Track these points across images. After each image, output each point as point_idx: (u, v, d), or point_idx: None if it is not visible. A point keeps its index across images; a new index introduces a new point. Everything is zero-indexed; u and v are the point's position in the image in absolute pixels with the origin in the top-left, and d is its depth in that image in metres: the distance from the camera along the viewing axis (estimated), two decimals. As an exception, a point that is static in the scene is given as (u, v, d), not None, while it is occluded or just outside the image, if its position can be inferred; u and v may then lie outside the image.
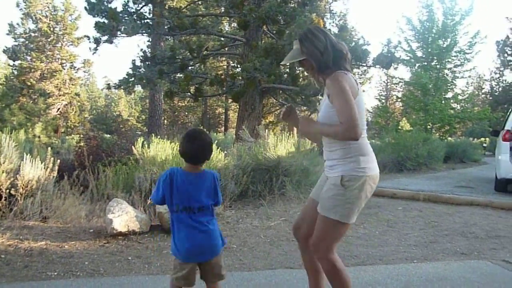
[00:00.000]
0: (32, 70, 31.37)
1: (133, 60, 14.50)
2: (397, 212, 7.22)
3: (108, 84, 15.80)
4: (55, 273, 3.83)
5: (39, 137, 20.45)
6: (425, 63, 23.30)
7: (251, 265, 4.16)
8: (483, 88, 54.14)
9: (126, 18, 12.98)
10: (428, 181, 11.48)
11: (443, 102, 22.00)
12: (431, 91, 21.90)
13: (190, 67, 14.24)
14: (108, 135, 12.18)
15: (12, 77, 31.28)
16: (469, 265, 4.32)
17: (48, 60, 32.36)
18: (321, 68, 2.64)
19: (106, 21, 12.56)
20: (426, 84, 21.32)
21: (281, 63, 2.65)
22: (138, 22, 12.83)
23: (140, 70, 14.24)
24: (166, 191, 2.58)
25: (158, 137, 8.02)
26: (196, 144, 2.63)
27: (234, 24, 18.59)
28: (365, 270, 4.08)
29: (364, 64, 13.50)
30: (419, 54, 23.76)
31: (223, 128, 40.35)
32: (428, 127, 21.76)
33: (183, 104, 40.91)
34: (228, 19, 19.46)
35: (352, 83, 2.55)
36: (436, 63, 23.19)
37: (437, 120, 21.42)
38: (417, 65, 23.88)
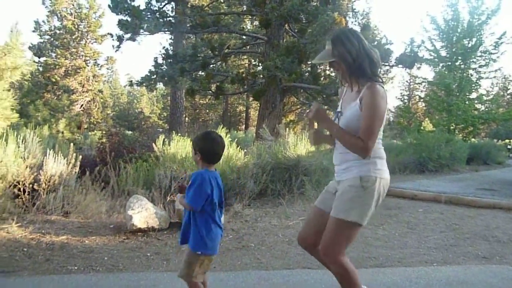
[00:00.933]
0: (57, 66, 31.84)
1: (155, 58, 14.62)
2: (418, 214, 7.14)
3: (131, 81, 15.93)
4: (75, 268, 3.89)
5: (62, 132, 20.78)
6: (449, 63, 22.92)
7: (269, 264, 4.16)
8: (509, 89, 53.07)
9: (149, 16, 13.08)
10: (450, 183, 11.31)
11: (467, 102, 21.63)
12: (455, 91, 21.56)
13: (211, 65, 14.27)
14: (130, 132, 12.32)
15: (37, 74, 31.79)
16: (490, 269, 4.25)
17: (72, 57, 32.79)
18: (353, 73, 2.65)
19: (129, 19, 12.67)
20: (450, 84, 21.00)
21: (312, 62, 2.69)
22: (161, 20, 12.92)
23: (162, 67, 14.34)
24: (210, 192, 2.67)
25: (179, 134, 8.08)
26: (220, 145, 2.78)
27: (256, 23, 18.54)
28: (384, 272, 4.05)
29: (387, 64, 13.33)
30: (443, 53, 23.38)
31: (243, 127, 40.37)
32: (451, 128, 21.42)
33: (204, 101, 41.06)
34: (250, 17, 19.46)
35: (386, 97, 2.60)
36: (461, 63, 22.81)
37: (461, 121, 21.09)
38: (441, 64, 23.51)
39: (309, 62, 11.08)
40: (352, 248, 4.98)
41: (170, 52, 15.36)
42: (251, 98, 22.06)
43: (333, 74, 14.51)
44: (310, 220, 2.90)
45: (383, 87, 2.61)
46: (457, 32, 22.40)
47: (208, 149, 2.74)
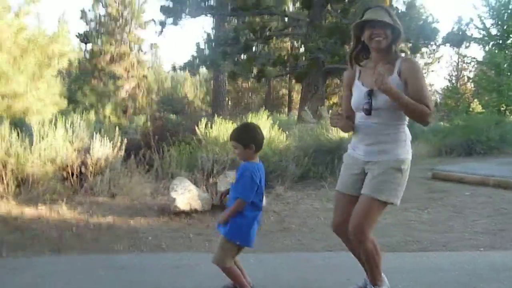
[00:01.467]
0: (103, 53, 32.54)
1: (197, 43, 14.75)
2: (464, 197, 6.93)
3: (174, 66, 16.16)
4: (121, 247, 4.02)
5: (109, 117, 21.33)
6: (500, 41, 22.02)
7: (310, 246, 4.16)
8: None
9: (191, 0, 13.16)
10: (499, 166, 10.91)
11: (518, 82, 20.78)
12: (506, 71, 20.71)
13: (253, 48, 14.27)
14: (174, 116, 12.51)
15: (84, 61, 32.64)
16: (540, 255, 4.10)
17: (117, 44, 33.43)
18: (394, 44, 2.63)
19: (171, 4, 12.79)
20: (500, 64, 20.19)
21: (364, 19, 2.51)
22: (202, 3, 12.98)
23: (204, 52, 14.45)
24: (258, 183, 2.74)
25: (221, 117, 8.13)
26: (262, 134, 2.87)
27: (298, 4, 18.33)
28: (428, 256, 3.97)
29: (433, 43, 13.00)
30: (494, 31, 22.46)
31: (286, 110, 40.25)
32: (502, 109, 20.64)
33: (247, 85, 41.13)
34: (291, -1, 19.25)
35: None
36: (512, 42, 21.90)
37: (512, 102, 20.31)
38: (491, 43, 22.62)
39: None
40: (395, 231, 4.92)
41: (212, 36, 15.43)
42: (293, 81, 21.92)
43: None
44: (339, 206, 2.85)
45: None
46: (509, 8, 21.47)
47: (260, 138, 2.83)
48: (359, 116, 2.72)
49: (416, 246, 4.39)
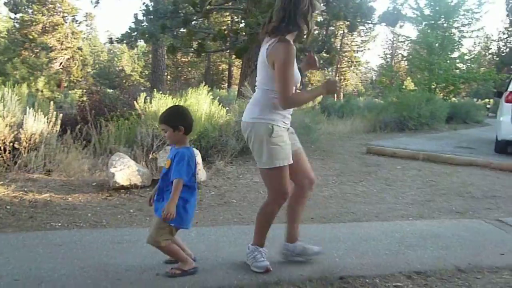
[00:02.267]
0: (34, 23, 30.98)
1: (135, 14, 14.37)
2: (396, 171, 7.30)
3: (111, 38, 15.73)
4: (59, 224, 3.95)
5: (41, 91, 20.44)
6: (432, 22, 22.90)
7: (250, 219, 4.26)
8: (490, 49, 53.23)
9: (128, -30, 12.72)
10: (429, 141, 11.52)
11: (448, 61, 21.77)
12: (437, 50, 21.63)
13: (193, 22, 14.06)
14: (111, 90, 12.19)
15: (13, 31, 30.94)
16: (463, 223, 4.41)
17: (49, 13, 31.91)
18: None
19: (107, -27, 12.31)
20: (432, 43, 21.07)
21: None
22: (140, -26, 12.57)
23: (143, 24, 14.09)
24: (194, 168, 2.84)
25: (161, 92, 8.02)
26: (191, 117, 2.92)
27: (238, -22, 18.19)
28: (361, 226, 4.19)
29: (369, 22, 13.33)
30: (427, 12, 23.32)
31: (226, 85, 40.13)
32: (432, 87, 21.61)
33: (186, 59, 40.58)
34: (232, -27, 19.04)
35: None
36: (444, 22, 22.81)
37: (442, 80, 21.27)
38: (424, 23, 23.48)
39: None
40: (331, 203, 5.12)
41: (151, 9, 15.04)
42: (233, 56, 21.82)
43: (316, 32, 14.42)
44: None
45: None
46: (441, -11, 22.29)
47: (189, 121, 2.85)
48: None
49: (350, 216, 4.61)
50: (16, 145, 5.63)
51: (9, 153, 5.56)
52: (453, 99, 23.43)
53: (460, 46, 23.84)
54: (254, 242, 3.04)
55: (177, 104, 3.49)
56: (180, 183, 2.70)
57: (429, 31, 21.81)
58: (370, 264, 3.18)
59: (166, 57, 21.95)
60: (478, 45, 50.42)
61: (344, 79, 49.01)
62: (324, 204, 5.08)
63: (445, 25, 22.83)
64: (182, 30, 14.42)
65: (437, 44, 21.49)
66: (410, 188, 6.11)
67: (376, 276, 2.97)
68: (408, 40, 26.91)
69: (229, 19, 30.93)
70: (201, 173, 5.58)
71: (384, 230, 4.04)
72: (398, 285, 2.86)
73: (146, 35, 13.68)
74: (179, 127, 2.78)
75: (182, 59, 40.06)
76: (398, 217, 4.65)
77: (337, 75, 44.87)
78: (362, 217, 4.61)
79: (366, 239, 3.73)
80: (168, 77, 38.55)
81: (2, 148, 5.51)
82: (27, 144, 5.69)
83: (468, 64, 23.43)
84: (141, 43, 20.89)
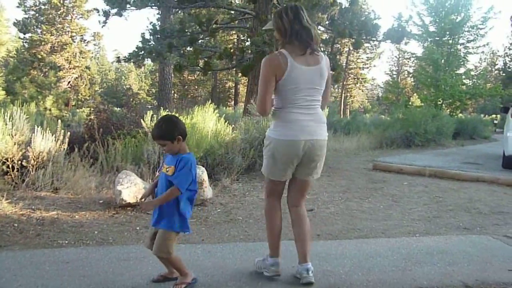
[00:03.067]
0: (43, 43, 31.37)
1: (142, 34, 14.52)
2: (403, 187, 7.28)
3: (118, 57, 15.84)
4: (66, 242, 3.96)
5: (50, 110, 20.59)
6: (437, 38, 23.01)
7: (256, 236, 4.26)
8: (496, 64, 53.25)
9: (135, -10, 12.91)
10: (436, 157, 11.49)
11: (454, 78, 21.78)
12: (443, 66, 21.68)
13: (199, 41, 14.20)
14: (118, 108, 12.28)
15: (23, 50, 31.35)
16: (470, 239, 4.39)
17: (58, 33, 32.33)
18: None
19: (115, -7, 12.51)
20: (438, 60, 21.11)
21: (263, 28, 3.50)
22: (147, -5, 12.77)
23: (150, 43, 14.24)
24: (195, 174, 2.85)
25: (167, 110, 8.09)
26: (182, 122, 2.94)
27: (244, -3, 18.38)
28: (367, 243, 4.17)
29: (375, 39, 13.38)
30: (432, 29, 23.45)
31: (232, 103, 40.30)
32: (439, 103, 21.60)
33: (193, 78, 40.86)
34: (238, -8, 19.27)
35: None
36: (449, 38, 22.90)
37: (448, 96, 21.27)
38: (429, 40, 23.59)
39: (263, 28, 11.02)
40: (337, 220, 5.11)
41: (158, 28, 15.23)
42: (239, 74, 21.96)
43: (321, 49, 14.49)
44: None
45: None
46: (445, 7, 22.42)
47: (183, 127, 2.87)
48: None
49: (357, 233, 4.59)
50: (24, 163, 5.67)
51: (17, 171, 5.61)
52: (460, 115, 23.40)
53: (466, 62, 23.89)
54: None
55: (165, 114, 3.50)
56: (177, 193, 2.75)
57: (434, 47, 21.89)
58: (376, 280, 3.17)
59: (172, 75, 22.12)
60: (484, 61, 50.53)
61: (350, 96, 49.14)
62: (331, 221, 5.07)
63: (450, 41, 22.91)
64: (188, 48, 14.54)
65: (442, 61, 21.54)
66: (417, 204, 6.09)
67: (383, 293, 2.95)
68: (413, 57, 26.95)
69: (235, 37, 31.21)
70: (207, 190, 5.59)
71: (390, 246, 4.03)
72: (405, 302, 2.85)
73: (153, 54, 13.82)
74: (177, 137, 2.79)
75: (189, 77, 40.34)
76: (405, 233, 4.63)
77: (343, 92, 44.98)
78: (368, 233, 4.60)
79: (373, 256, 3.72)
80: (175, 95, 38.81)
81: (10, 166, 5.56)
82: (35, 162, 5.74)
83: (474, 80, 23.44)
84: (148, 61, 21.12)
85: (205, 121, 7.71)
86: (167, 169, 2.83)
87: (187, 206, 2.86)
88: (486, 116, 31.51)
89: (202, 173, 5.51)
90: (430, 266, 3.49)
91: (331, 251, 3.80)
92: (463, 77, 22.84)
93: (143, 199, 2.99)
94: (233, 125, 8.29)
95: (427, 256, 3.74)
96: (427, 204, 6.08)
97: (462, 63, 23.36)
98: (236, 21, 15.61)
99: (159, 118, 3.00)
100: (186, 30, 13.79)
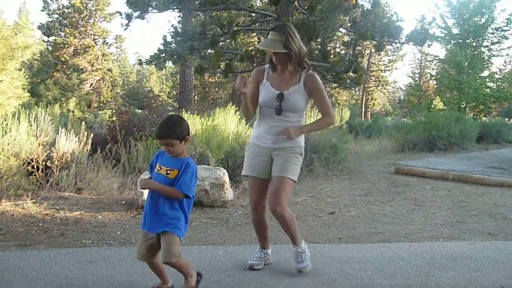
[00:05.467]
0: (66, 46, 31.86)
1: (164, 36, 14.61)
2: (425, 191, 7.19)
3: (140, 59, 15.98)
4: (89, 241, 4.01)
5: (73, 111, 20.93)
6: (461, 41, 22.66)
7: (277, 238, 4.25)
8: (522, 67, 52.19)
9: (157, -7, 13.01)
10: (459, 161, 11.31)
11: (478, 80, 21.42)
12: (466, 69, 21.34)
13: (220, 43, 14.23)
14: (140, 110, 12.40)
15: (46, 53, 31.88)
16: (495, 245, 4.31)
17: (81, 36, 32.80)
18: (297, 62, 3.18)
19: (137, -3, 12.63)
20: (461, 62, 20.80)
21: (257, 47, 3.79)
22: (169, -2, 12.85)
23: (171, 46, 14.33)
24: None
25: (188, 112, 8.13)
26: (186, 121, 2.88)
27: (265, 0, 18.41)
28: (390, 247, 4.13)
29: (397, 41, 13.24)
30: (455, 31, 23.11)
31: (253, 105, 40.21)
32: (462, 106, 21.28)
33: (214, 80, 40.99)
34: (259, -6, 19.30)
35: None
36: (472, 41, 22.55)
37: (472, 99, 20.94)
38: (452, 42, 23.26)
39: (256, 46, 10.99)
40: (359, 223, 5.06)
41: (179, 30, 15.33)
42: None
43: (342, 52, 14.45)
44: (256, 189, 3.39)
45: None
46: (469, 8, 22.10)
47: (188, 127, 2.82)
48: (269, 112, 3.25)
49: (379, 237, 4.54)
50: (48, 164, 5.77)
51: (42, 171, 5.70)
52: (484, 118, 23.01)
53: (490, 64, 23.50)
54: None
55: (171, 114, 3.49)
56: (179, 196, 2.67)
57: (457, 50, 21.57)
58: (399, 285, 3.13)
59: (193, 77, 22.22)
60: (509, 64, 49.57)
61: (372, 98, 48.71)
62: (352, 224, 5.02)
63: (474, 43, 22.56)
64: (209, 51, 14.60)
65: (466, 63, 21.21)
66: (440, 208, 6.00)
67: (406, 298, 2.92)
68: (436, 59, 26.59)
69: (256, 39, 31.19)
70: (228, 192, 5.60)
71: (413, 251, 3.98)
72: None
73: (175, 56, 13.90)
74: (186, 137, 2.74)
75: (210, 79, 40.48)
76: (428, 238, 4.57)
77: (365, 94, 44.64)
78: (391, 237, 4.55)
79: (395, 260, 3.67)
80: (196, 97, 38.98)
81: (35, 166, 5.65)
82: (59, 163, 5.83)
83: (498, 83, 23.03)
84: (169, 64, 21.25)
85: (226, 123, 7.73)
86: (168, 171, 2.72)
87: (188, 211, 2.82)
88: (511, 120, 30.92)
89: (223, 175, 5.52)
90: (454, 272, 3.43)
91: (353, 255, 3.77)
92: (487, 80, 22.46)
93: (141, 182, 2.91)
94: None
95: (451, 262, 3.68)
96: (450, 209, 5.99)
97: (486, 65, 22.98)
98: (257, 24, 15.61)
99: (164, 117, 2.90)
100: (207, 33, 13.84)
